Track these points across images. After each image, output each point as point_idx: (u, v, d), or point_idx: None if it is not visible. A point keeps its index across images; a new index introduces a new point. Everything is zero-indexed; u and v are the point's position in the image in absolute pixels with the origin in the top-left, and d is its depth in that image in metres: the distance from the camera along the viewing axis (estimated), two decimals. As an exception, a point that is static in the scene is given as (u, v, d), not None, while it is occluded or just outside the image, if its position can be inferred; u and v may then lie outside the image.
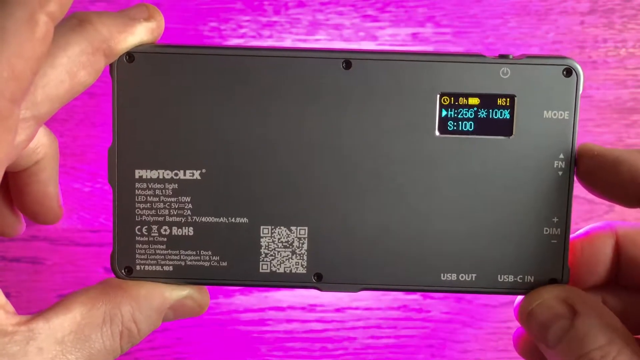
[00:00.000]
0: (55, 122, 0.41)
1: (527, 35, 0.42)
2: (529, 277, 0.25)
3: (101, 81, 0.22)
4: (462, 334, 0.43)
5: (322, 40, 0.41)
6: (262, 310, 0.43)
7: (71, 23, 0.21)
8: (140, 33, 0.23)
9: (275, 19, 0.41)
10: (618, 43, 0.42)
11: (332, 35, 0.41)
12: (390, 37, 0.41)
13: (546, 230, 0.24)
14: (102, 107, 0.41)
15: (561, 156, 0.24)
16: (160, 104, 0.24)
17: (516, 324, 0.26)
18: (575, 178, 0.24)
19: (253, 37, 0.41)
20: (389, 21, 0.41)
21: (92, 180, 0.42)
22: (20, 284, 0.43)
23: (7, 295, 0.42)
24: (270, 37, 0.41)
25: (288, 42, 0.41)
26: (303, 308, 0.43)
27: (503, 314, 0.43)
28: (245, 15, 0.41)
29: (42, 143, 0.23)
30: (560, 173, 0.24)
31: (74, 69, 0.21)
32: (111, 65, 0.23)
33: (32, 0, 0.18)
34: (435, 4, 0.41)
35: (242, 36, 0.41)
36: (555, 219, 0.24)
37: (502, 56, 0.24)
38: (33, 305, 0.43)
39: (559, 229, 0.24)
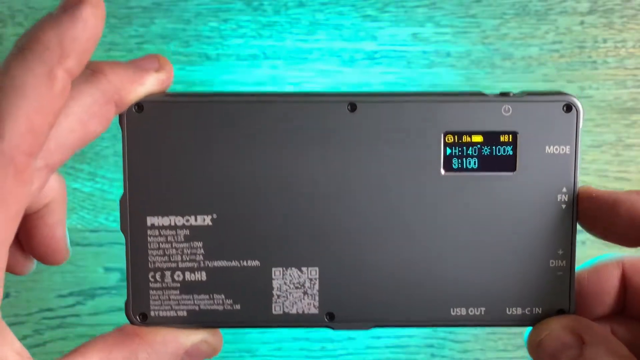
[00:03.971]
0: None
1: (527, 35, 0.42)
2: (536, 308, 0.25)
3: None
4: (462, 334, 0.43)
5: (322, 41, 0.41)
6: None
7: (84, 73, 0.21)
8: (151, 84, 0.23)
9: (275, 19, 0.41)
10: (618, 43, 0.42)
11: (332, 36, 0.41)
12: (390, 37, 0.41)
13: (552, 263, 0.25)
14: (102, 107, 0.41)
15: (564, 190, 0.24)
16: (170, 151, 0.24)
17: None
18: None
19: (253, 37, 0.41)
20: (389, 21, 0.41)
21: (92, 180, 0.42)
22: (20, 284, 0.43)
23: (7, 295, 0.42)
24: (270, 37, 0.41)
25: (288, 43, 0.41)
26: (303, 308, 0.43)
27: (503, 313, 0.43)
28: (245, 15, 0.41)
29: (52, 186, 0.23)
30: (563, 206, 0.24)
31: (86, 118, 0.21)
32: (120, 115, 0.23)
33: (52, 56, 0.19)
34: (435, 4, 0.41)
35: (242, 36, 0.41)
36: (561, 251, 0.25)
37: (502, 94, 0.24)
38: (33, 305, 0.43)
39: (564, 261, 0.25)
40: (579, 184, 0.25)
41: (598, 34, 0.42)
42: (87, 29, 0.19)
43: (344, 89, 0.42)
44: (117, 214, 0.43)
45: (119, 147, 0.24)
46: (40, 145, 0.19)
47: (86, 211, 0.42)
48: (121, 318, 0.43)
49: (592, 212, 0.24)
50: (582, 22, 0.42)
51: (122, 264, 0.43)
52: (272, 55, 0.41)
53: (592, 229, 0.25)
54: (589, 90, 0.42)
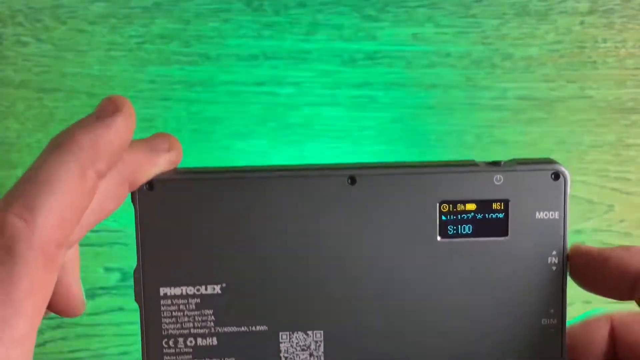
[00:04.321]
0: (56, 123, 0.41)
1: (527, 35, 0.42)
2: None
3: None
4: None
5: (322, 41, 0.41)
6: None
7: None
8: (162, 164, 0.24)
9: (275, 19, 0.41)
10: (618, 43, 0.42)
11: (332, 36, 0.41)
12: (390, 37, 0.41)
13: (544, 321, 0.26)
14: (102, 107, 0.41)
15: (554, 252, 0.26)
16: (180, 225, 0.25)
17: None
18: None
19: (253, 37, 0.41)
20: (389, 21, 0.41)
21: (92, 180, 0.42)
22: (20, 284, 0.43)
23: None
24: (270, 37, 0.41)
25: (288, 43, 0.41)
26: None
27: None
28: (246, 15, 0.41)
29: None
30: (554, 268, 0.26)
31: (104, 199, 0.22)
32: (132, 192, 0.25)
33: (86, 157, 0.20)
34: (435, 4, 0.41)
35: (242, 36, 0.41)
36: (552, 310, 0.26)
37: (494, 163, 0.26)
38: (33, 305, 0.43)
39: (555, 319, 0.26)
40: (569, 243, 0.26)
41: (598, 34, 0.42)
42: (119, 136, 0.21)
43: (344, 89, 0.42)
44: (118, 214, 0.43)
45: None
46: (68, 237, 0.20)
47: (86, 211, 0.42)
48: (121, 318, 0.43)
49: (584, 267, 0.25)
50: (582, 22, 0.42)
51: (122, 263, 0.43)
52: (272, 55, 0.41)
53: (583, 283, 0.26)
54: (589, 90, 0.42)
